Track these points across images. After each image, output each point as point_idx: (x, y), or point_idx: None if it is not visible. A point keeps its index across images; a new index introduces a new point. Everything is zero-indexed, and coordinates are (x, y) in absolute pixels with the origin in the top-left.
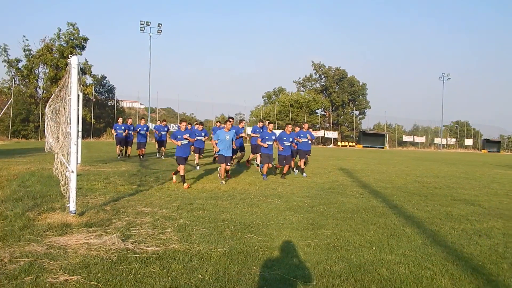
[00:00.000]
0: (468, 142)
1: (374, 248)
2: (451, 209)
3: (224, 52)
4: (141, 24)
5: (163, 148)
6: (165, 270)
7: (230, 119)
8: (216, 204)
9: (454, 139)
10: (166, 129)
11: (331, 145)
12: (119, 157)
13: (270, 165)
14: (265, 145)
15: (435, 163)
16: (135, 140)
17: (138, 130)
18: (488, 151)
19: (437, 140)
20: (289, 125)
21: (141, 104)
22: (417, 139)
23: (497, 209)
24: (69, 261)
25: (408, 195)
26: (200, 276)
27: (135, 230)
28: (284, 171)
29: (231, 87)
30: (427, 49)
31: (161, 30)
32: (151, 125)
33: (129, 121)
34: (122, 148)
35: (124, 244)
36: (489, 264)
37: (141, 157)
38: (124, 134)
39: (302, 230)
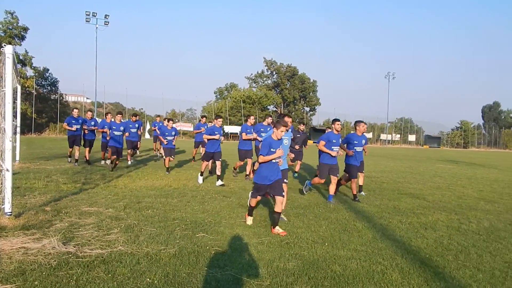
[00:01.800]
0: (412, 138)
1: (326, 244)
2: (398, 203)
3: (174, 46)
4: (86, 14)
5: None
6: (110, 275)
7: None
8: (166, 202)
9: (398, 135)
10: (205, 126)
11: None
12: (71, 161)
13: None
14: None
15: (382, 158)
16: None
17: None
18: (430, 147)
19: (383, 136)
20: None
21: (87, 98)
22: (365, 135)
23: (440, 202)
24: (3, 268)
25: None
26: (148, 279)
27: (78, 232)
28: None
29: (182, 82)
30: (374, 49)
31: (108, 22)
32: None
33: (89, 114)
34: (78, 148)
35: (65, 248)
36: (435, 257)
37: (111, 164)
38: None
39: (255, 228)
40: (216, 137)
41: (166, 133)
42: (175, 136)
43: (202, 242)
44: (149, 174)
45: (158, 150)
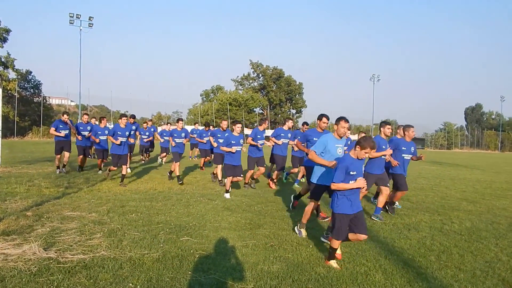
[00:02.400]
0: None
1: (311, 246)
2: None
3: (160, 48)
4: (70, 16)
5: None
6: (92, 280)
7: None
8: (151, 206)
9: None
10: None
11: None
12: (60, 171)
13: None
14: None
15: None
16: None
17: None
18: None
19: None
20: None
21: (71, 101)
22: (351, 137)
23: (423, 203)
24: None
25: None
26: (131, 284)
27: (59, 237)
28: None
29: (168, 85)
30: (359, 51)
31: (92, 24)
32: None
33: (85, 118)
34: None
35: (46, 253)
36: (418, 257)
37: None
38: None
39: (240, 231)
40: (233, 149)
41: (175, 134)
42: (186, 138)
43: (186, 246)
44: (133, 178)
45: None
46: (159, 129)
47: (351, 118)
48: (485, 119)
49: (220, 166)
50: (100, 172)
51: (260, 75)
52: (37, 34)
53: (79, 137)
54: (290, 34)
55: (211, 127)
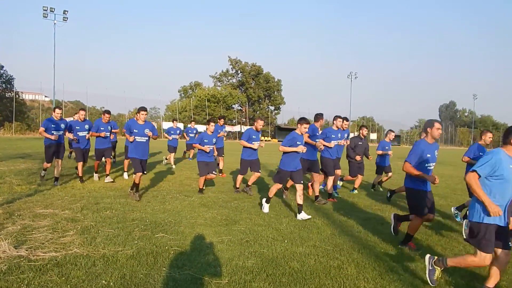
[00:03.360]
0: (373, 136)
1: (286, 241)
2: (357, 199)
3: (137, 43)
4: (43, 10)
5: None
6: (63, 278)
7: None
8: (126, 202)
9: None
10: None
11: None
12: (43, 177)
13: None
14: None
15: (343, 156)
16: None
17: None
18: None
19: None
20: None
21: (45, 96)
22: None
23: (396, 198)
24: None
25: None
26: (104, 281)
27: (31, 235)
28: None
29: (145, 81)
30: (336, 49)
31: (67, 18)
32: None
33: (81, 114)
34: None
35: (17, 251)
36: (390, 251)
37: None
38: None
39: (216, 227)
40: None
41: (206, 140)
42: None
43: (161, 243)
44: (109, 175)
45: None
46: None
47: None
48: (458, 116)
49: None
50: (96, 177)
51: (239, 72)
52: (9, 27)
53: (75, 139)
54: (269, 30)
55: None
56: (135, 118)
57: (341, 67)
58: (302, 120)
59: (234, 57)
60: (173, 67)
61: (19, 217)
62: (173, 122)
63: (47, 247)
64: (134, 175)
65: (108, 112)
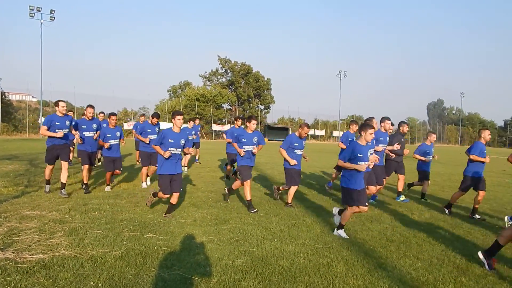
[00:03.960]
0: None
1: (276, 240)
2: None
3: (126, 42)
4: (30, 9)
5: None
6: (51, 280)
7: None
8: (114, 203)
9: None
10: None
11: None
12: (49, 189)
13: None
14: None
15: (334, 154)
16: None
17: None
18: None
19: (335, 133)
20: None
21: (33, 97)
22: (318, 132)
23: (385, 196)
24: None
25: (309, 186)
26: (92, 283)
27: (17, 237)
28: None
29: (134, 80)
30: (325, 47)
31: (54, 17)
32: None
33: (89, 112)
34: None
35: (3, 254)
36: (379, 248)
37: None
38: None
39: (205, 226)
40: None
41: (244, 139)
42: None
43: (150, 243)
44: (97, 175)
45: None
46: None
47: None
48: (446, 114)
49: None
50: (108, 188)
51: (228, 71)
52: None
53: (79, 139)
54: (259, 30)
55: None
56: (171, 128)
57: (330, 66)
58: (366, 126)
59: (224, 56)
60: (162, 66)
61: (5, 219)
62: (189, 122)
63: (34, 249)
64: (162, 195)
65: (114, 114)
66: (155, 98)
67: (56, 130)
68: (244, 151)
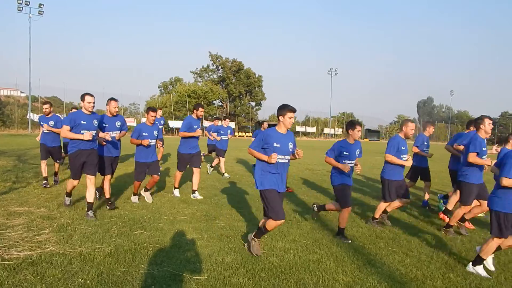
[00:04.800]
0: None
1: (266, 236)
2: None
3: (116, 38)
4: (18, 3)
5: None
6: (39, 277)
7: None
8: (104, 199)
9: (341, 129)
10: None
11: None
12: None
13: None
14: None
15: (324, 151)
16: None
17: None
18: (370, 140)
19: (326, 130)
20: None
21: (21, 92)
22: (309, 129)
23: (376, 193)
24: None
25: (300, 182)
26: (80, 280)
27: (5, 234)
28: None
29: (124, 76)
30: (317, 46)
31: (42, 11)
32: (35, 116)
33: (113, 105)
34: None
35: None
36: (368, 244)
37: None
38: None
39: (196, 223)
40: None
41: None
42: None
43: (139, 239)
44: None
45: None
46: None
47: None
48: (435, 112)
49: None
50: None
51: (220, 67)
52: None
53: (103, 141)
54: (250, 26)
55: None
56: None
57: (322, 63)
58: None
59: (215, 53)
60: (152, 62)
61: None
62: (224, 120)
63: (21, 245)
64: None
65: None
66: (146, 94)
67: (82, 131)
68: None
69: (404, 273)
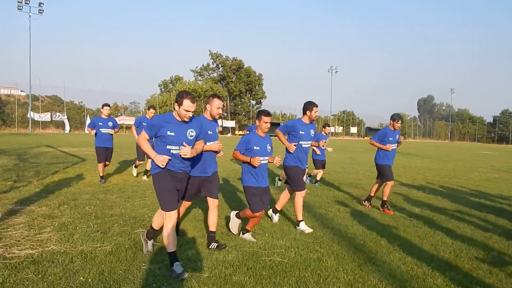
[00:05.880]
0: (353, 130)
1: (267, 235)
2: (338, 193)
3: (115, 36)
4: (18, 2)
5: None
6: (40, 276)
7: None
8: (105, 198)
9: (341, 127)
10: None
11: (229, 134)
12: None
13: None
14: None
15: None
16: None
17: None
18: (370, 138)
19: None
20: None
21: (21, 91)
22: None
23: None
24: None
25: None
26: (81, 278)
27: (6, 232)
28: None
29: (125, 74)
30: (317, 44)
31: (42, 10)
32: (35, 116)
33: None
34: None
35: None
36: (369, 242)
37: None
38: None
39: (196, 221)
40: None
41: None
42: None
43: (140, 238)
44: (87, 170)
45: None
46: None
47: None
48: (436, 110)
49: None
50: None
51: (220, 66)
52: None
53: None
54: (250, 25)
55: None
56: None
57: (322, 62)
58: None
59: (215, 51)
60: (153, 61)
61: None
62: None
63: (23, 244)
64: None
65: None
66: (146, 93)
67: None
68: None
69: (404, 271)
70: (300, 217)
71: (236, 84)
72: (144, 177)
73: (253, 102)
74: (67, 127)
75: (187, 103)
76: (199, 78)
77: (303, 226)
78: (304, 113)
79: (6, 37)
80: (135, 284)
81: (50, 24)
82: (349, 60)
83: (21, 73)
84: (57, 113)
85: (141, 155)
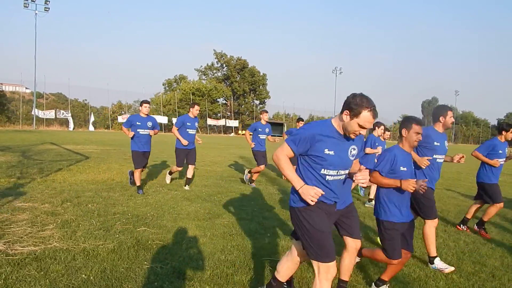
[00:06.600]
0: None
1: (269, 235)
2: None
3: (121, 35)
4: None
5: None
6: (42, 272)
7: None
8: (108, 196)
9: None
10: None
11: (232, 134)
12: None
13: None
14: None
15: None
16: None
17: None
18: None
19: None
20: None
21: (26, 88)
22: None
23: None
24: None
25: None
26: (83, 276)
27: (9, 229)
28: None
29: (129, 73)
30: (321, 44)
31: (48, 8)
32: (40, 113)
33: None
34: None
35: None
36: (370, 245)
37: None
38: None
39: (199, 220)
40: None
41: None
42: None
43: (143, 236)
44: (90, 168)
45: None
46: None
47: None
48: None
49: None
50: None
51: (224, 65)
52: None
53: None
54: (255, 24)
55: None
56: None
57: (326, 62)
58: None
59: (220, 51)
60: (157, 59)
61: None
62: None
63: (25, 241)
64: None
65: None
66: (150, 92)
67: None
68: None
69: (407, 273)
70: (433, 252)
71: (240, 83)
72: (186, 187)
73: (257, 102)
74: (71, 125)
75: (367, 116)
76: (203, 77)
77: (439, 263)
78: (437, 119)
79: (12, 35)
80: (137, 282)
81: (55, 22)
82: (353, 61)
83: (26, 71)
84: (61, 111)
85: (181, 161)
